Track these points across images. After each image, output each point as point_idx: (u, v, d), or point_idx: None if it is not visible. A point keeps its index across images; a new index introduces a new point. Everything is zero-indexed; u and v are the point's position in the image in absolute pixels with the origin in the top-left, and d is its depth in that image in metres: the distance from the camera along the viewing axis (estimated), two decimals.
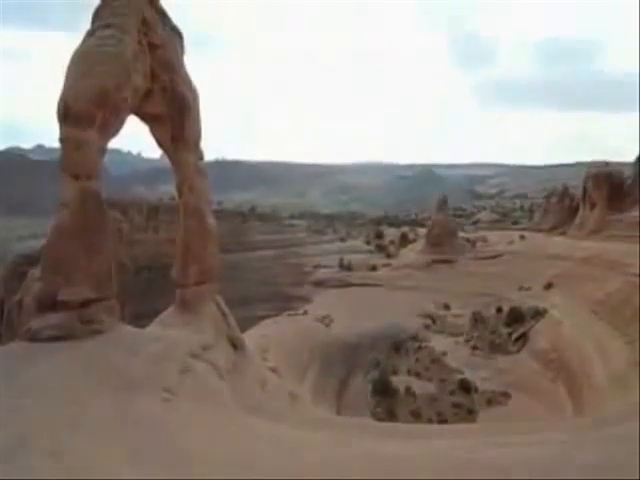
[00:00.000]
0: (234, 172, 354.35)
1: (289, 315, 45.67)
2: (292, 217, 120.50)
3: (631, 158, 62.63)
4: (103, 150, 13.93)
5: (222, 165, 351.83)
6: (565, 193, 79.07)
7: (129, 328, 14.61)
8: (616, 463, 7.50)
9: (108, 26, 14.03)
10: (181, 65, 17.53)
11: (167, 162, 18.79)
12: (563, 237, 67.61)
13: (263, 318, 44.85)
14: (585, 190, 67.13)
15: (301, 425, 13.87)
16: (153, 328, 16.75)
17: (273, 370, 21.87)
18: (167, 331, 16.04)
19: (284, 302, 67.04)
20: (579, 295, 42.61)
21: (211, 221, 19.04)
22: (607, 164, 70.43)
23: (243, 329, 33.69)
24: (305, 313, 46.32)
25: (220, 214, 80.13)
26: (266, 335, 32.60)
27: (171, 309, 18.28)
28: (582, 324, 37.26)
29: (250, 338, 28.06)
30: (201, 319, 17.64)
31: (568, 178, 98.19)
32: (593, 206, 64.36)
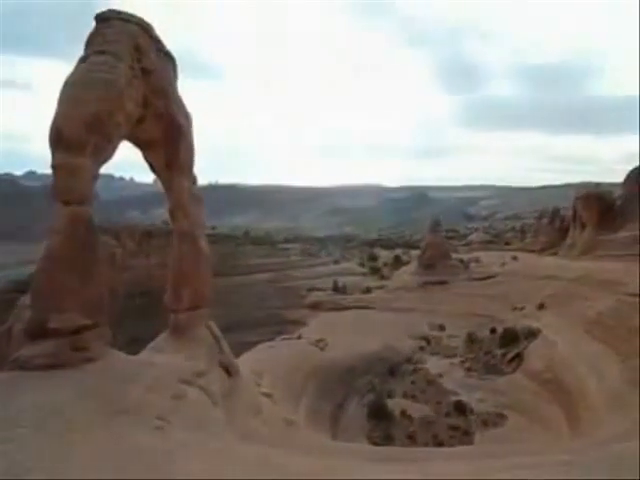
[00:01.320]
0: (228, 196, 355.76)
1: (283, 339, 45.20)
2: (286, 240, 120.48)
3: (619, 179, 63.70)
4: (95, 176, 13.99)
5: (216, 189, 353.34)
6: (556, 214, 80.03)
7: (121, 355, 14.45)
8: None
9: (101, 52, 14.23)
10: (174, 90, 17.78)
11: (160, 186, 18.90)
12: (554, 257, 68.12)
13: (257, 343, 44.36)
14: (575, 211, 68.06)
15: (296, 451, 13.65)
16: (146, 354, 16.56)
17: (267, 396, 21.56)
18: (160, 357, 15.87)
19: (278, 326, 66.50)
20: (572, 314, 42.70)
21: (204, 245, 19.06)
22: (597, 185, 71.67)
23: (237, 354, 33.31)
24: (300, 337, 45.89)
25: (214, 238, 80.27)
26: (260, 360, 32.21)
27: (164, 335, 18.12)
28: (576, 343, 37.24)
29: (244, 363, 27.70)
30: (194, 345, 17.47)
31: (558, 199, 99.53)
32: (583, 226, 65.13)
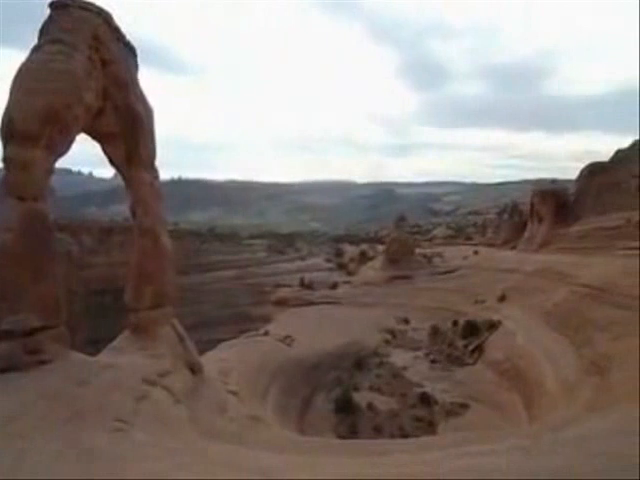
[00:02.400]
0: (192, 192, 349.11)
1: (250, 336, 44.83)
2: (252, 237, 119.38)
3: (573, 176, 66.43)
4: (50, 170, 13.45)
5: (179, 184, 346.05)
6: (515, 209, 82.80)
7: (80, 356, 13.99)
8: (571, 466, 7.84)
9: (56, 41, 13.64)
10: (135, 82, 17.27)
11: (120, 181, 18.37)
12: (514, 251, 70.53)
13: (223, 340, 43.86)
14: (533, 206, 70.69)
15: (264, 448, 13.61)
16: (105, 355, 16.10)
17: (233, 393, 21.38)
18: (121, 358, 15.47)
19: (244, 323, 66.02)
20: (530, 306, 44.33)
21: (167, 242, 18.66)
22: (553, 181, 74.55)
23: (202, 352, 32.88)
24: (266, 333, 45.60)
25: (177, 235, 78.78)
26: (226, 358, 31.88)
27: (125, 334, 17.66)
28: (534, 334, 38.72)
29: (209, 361, 27.38)
30: (157, 344, 17.11)
31: (517, 195, 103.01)
32: (540, 221, 67.74)
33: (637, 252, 37.41)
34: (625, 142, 53.08)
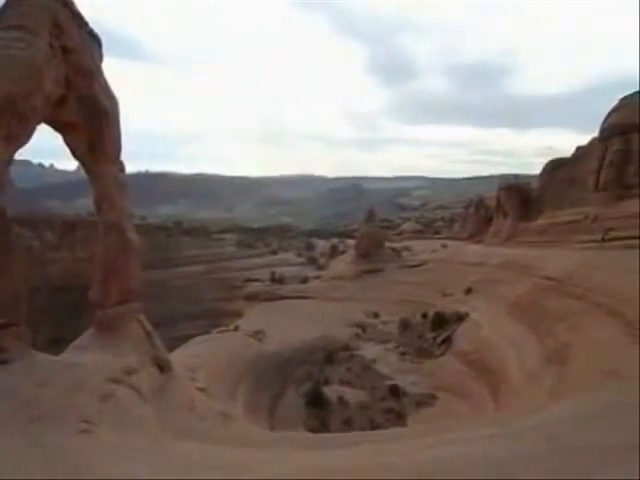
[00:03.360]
0: (159, 185, 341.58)
1: (219, 332, 44.42)
2: (221, 231, 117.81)
3: (537, 171, 68.57)
4: (8, 162, 12.86)
5: (146, 178, 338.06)
6: (481, 204, 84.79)
7: (41, 356, 13.49)
8: (534, 450, 8.10)
9: (15, 28, 13.02)
10: (99, 71, 16.69)
11: (83, 174, 17.76)
12: (480, 245, 72.37)
13: (193, 336, 43.32)
14: (498, 201, 72.64)
15: (234, 445, 13.52)
16: (68, 354, 15.59)
17: (202, 390, 21.13)
18: (85, 356, 15.01)
19: (214, 318, 65.26)
20: (496, 298, 45.62)
21: (133, 237, 18.18)
22: (516, 177, 76.77)
23: (172, 349, 32.36)
24: (236, 329, 45.29)
25: (143, 229, 76.79)
26: (195, 354, 31.48)
27: (89, 332, 17.15)
28: (499, 325, 39.89)
29: (178, 358, 26.97)
30: (123, 341, 16.71)
31: (483, 190, 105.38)
32: (505, 215, 69.69)
33: (594, 245, 39.03)
34: (585, 139, 55.17)
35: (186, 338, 42.19)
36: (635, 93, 45.25)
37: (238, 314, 63.49)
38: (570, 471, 5.73)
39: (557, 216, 54.83)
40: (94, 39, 16.67)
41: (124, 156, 18.41)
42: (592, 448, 6.92)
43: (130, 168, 19.53)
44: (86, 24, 16.03)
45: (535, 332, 33.62)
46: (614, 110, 46.48)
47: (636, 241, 34.34)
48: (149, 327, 18.44)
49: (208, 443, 13.08)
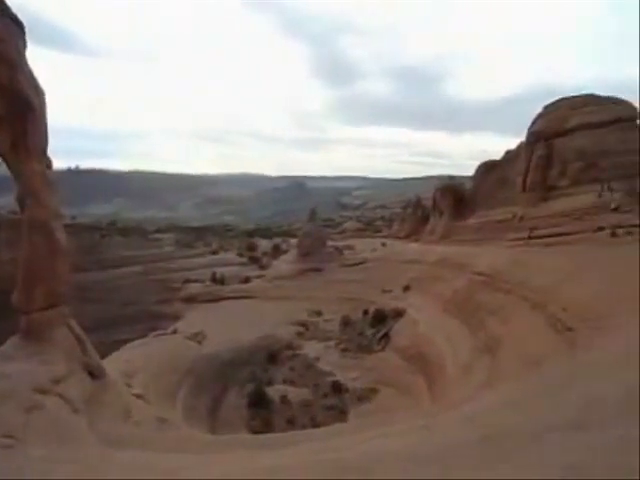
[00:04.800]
0: (91, 183, 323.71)
1: (157, 335, 42.81)
2: (159, 231, 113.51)
3: (470, 173, 71.90)
4: None
5: (77, 175, 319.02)
6: (418, 204, 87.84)
7: None
8: (466, 438, 8.52)
9: None
10: (24, 62, 15.57)
11: (5, 170, 16.53)
12: (417, 243, 75.04)
13: (129, 340, 41.46)
14: (434, 201, 75.69)
15: (171, 450, 13.14)
16: None
17: (139, 396, 20.33)
18: (9, 366, 13.98)
19: (152, 321, 62.77)
20: (432, 294, 47.55)
21: (61, 237, 17.15)
22: (451, 178, 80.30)
23: (106, 354, 30.87)
24: (174, 332, 43.90)
25: (74, 229, 72.40)
26: (130, 359, 30.18)
27: (13, 339, 15.99)
28: (435, 320, 41.63)
29: (112, 364, 25.77)
30: (51, 348, 15.72)
31: (421, 190, 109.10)
32: (441, 215, 72.76)
33: (521, 243, 41.73)
34: (514, 143, 58.75)
35: (122, 342, 40.36)
36: (557, 101, 48.85)
37: (177, 316, 61.55)
38: (498, 456, 6.11)
39: (489, 215, 58.04)
40: (17, 26, 15.53)
41: (53, 152, 17.38)
42: (518, 433, 7.43)
43: (59, 164, 18.39)
44: (8, 9, 14.91)
45: (468, 326, 35.43)
46: (538, 117, 49.88)
47: (556, 238, 37.13)
48: (79, 332, 17.47)
49: (144, 450, 12.64)
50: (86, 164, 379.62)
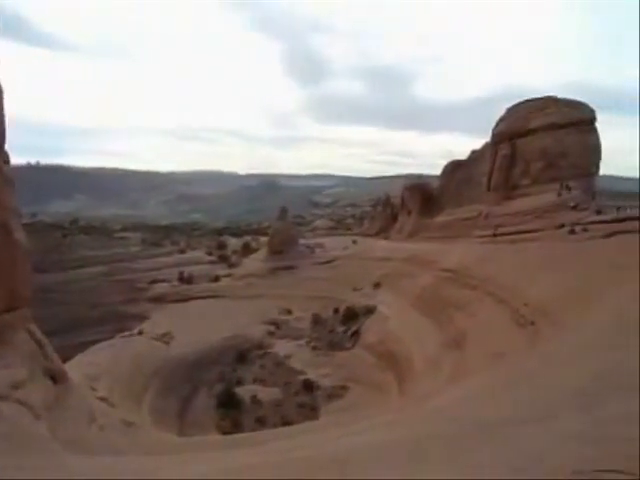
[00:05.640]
0: (52, 179, 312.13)
1: (123, 337, 41.70)
2: (124, 229, 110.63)
3: (438, 172, 73.22)
4: None
5: (37, 171, 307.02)
6: (387, 202, 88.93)
7: None
8: (433, 431, 8.67)
9: None
10: None
11: None
12: (387, 240, 75.92)
13: (95, 342, 40.20)
14: (403, 199, 76.75)
15: (137, 453, 12.84)
16: None
17: (104, 400, 19.76)
18: None
19: (118, 323, 61.11)
20: (401, 291, 48.20)
21: (21, 237, 16.44)
22: (419, 177, 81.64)
23: (70, 357, 29.86)
24: (141, 333, 42.87)
25: (34, 228, 69.73)
26: (95, 362, 29.29)
27: None
28: (404, 316, 42.22)
29: (75, 367, 24.99)
30: (10, 352, 15.06)
31: (391, 189, 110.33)
32: (409, 213, 73.86)
33: (486, 240, 42.80)
34: (481, 143, 60.05)
35: (87, 345, 39.11)
36: (520, 103, 50.30)
37: (143, 317, 60.13)
38: (463, 446, 6.24)
39: (455, 213, 59.31)
40: None
41: (11, 147, 16.62)
42: (484, 425, 7.62)
43: (17, 160, 17.66)
44: None
45: (436, 321, 36.11)
46: (502, 118, 51.25)
47: (520, 235, 38.26)
48: (40, 335, 16.82)
49: (110, 455, 12.30)
50: (47, 160, 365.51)
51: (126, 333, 43.03)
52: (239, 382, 37.40)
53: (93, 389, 21.15)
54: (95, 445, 13.75)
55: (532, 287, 24.91)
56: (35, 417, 12.96)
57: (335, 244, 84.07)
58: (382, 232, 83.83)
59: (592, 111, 45.97)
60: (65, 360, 27.14)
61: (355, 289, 59.37)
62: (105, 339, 42.33)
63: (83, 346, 38.33)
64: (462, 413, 10.41)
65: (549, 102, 47.63)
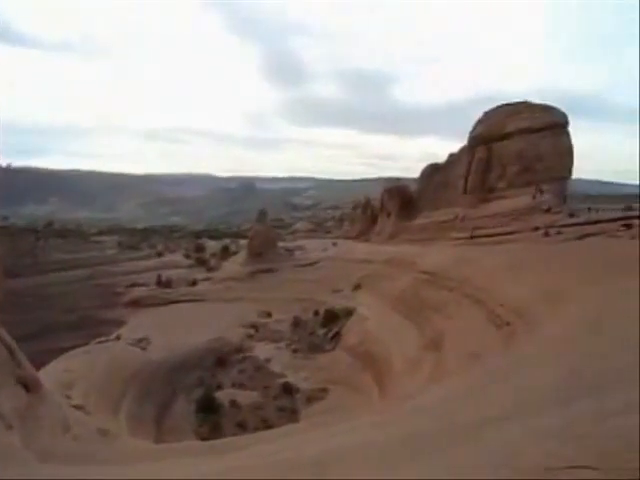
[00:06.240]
0: (25, 182, 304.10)
1: (99, 342, 40.76)
2: (100, 233, 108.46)
3: (417, 175, 73.88)
4: None
5: (8, 173, 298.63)
6: (367, 204, 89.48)
7: None
8: (414, 431, 8.74)
9: None
10: None
11: None
12: (367, 243, 76.36)
13: (70, 349, 39.21)
14: (382, 202, 77.36)
15: (114, 462, 12.57)
16: None
17: (79, 408, 19.27)
18: None
19: (93, 328, 59.80)
20: (381, 293, 48.48)
21: None
22: (398, 180, 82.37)
23: (44, 364, 29.05)
24: (118, 338, 42.00)
25: (6, 231, 67.85)
26: (70, 368, 28.54)
27: None
28: (384, 318, 42.47)
29: (50, 374, 24.36)
30: None
31: (371, 191, 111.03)
32: (389, 215, 74.48)
33: (463, 242, 43.49)
34: (457, 147, 60.96)
35: (62, 351, 38.11)
36: (496, 107, 51.35)
37: (121, 322, 59.02)
38: (441, 446, 6.30)
39: (433, 216, 60.07)
40: None
41: None
42: (461, 426, 7.72)
43: None
44: None
45: (415, 323, 36.45)
46: (479, 122, 52.23)
47: (496, 238, 38.99)
48: (11, 342, 16.30)
49: (85, 464, 12.00)
50: (19, 162, 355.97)
51: (102, 338, 42.10)
52: (218, 387, 36.99)
53: (68, 397, 20.61)
54: (70, 455, 13.39)
55: (508, 288, 25.38)
56: (6, 427, 12.54)
57: (315, 246, 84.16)
58: (362, 234, 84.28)
59: (565, 115, 47.29)
60: (39, 367, 26.40)
61: (335, 291, 59.48)
62: (81, 345, 41.32)
63: (57, 352, 37.36)
64: (440, 413, 10.53)
65: (524, 107, 48.81)
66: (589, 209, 38.90)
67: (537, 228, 35.40)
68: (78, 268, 76.73)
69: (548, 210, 38.44)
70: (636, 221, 27.28)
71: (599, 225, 28.92)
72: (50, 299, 69.00)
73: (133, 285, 73.92)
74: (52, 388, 19.07)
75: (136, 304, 67.05)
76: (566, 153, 45.58)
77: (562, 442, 4.19)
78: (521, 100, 50.27)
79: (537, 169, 44.09)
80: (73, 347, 39.82)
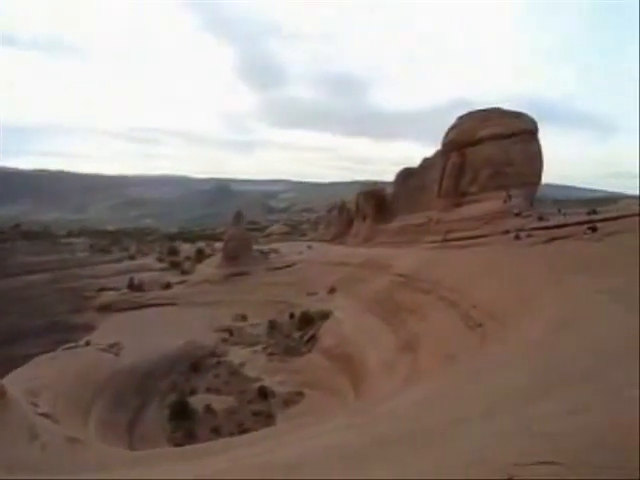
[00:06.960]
0: None
1: (67, 348, 39.53)
2: (70, 235, 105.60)
3: (392, 178, 74.66)
4: None
5: None
6: (343, 207, 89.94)
7: None
8: (387, 433, 8.81)
9: None
10: None
11: None
12: (343, 245, 76.68)
13: (37, 355, 37.94)
14: (358, 205, 77.88)
15: (83, 470, 12.23)
16: None
17: (46, 416, 18.68)
18: None
19: (62, 334, 58.07)
20: (356, 295, 48.77)
21: None
22: (374, 183, 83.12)
23: (9, 371, 28.05)
24: (87, 343, 40.83)
25: None
26: (37, 375, 27.62)
27: None
28: (359, 321, 42.71)
29: (16, 381, 23.55)
30: None
31: (347, 194, 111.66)
32: (364, 218, 75.02)
33: (437, 245, 44.18)
34: (432, 151, 61.93)
35: (29, 358, 36.85)
36: (469, 113, 52.41)
37: (91, 327, 57.49)
38: (412, 449, 6.40)
39: (408, 219, 60.81)
40: None
41: None
42: (429, 429, 7.85)
43: None
44: None
45: (391, 325, 36.80)
46: (452, 127, 53.19)
47: (469, 241, 39.75)
48: None
49: (53, 474, 11.65)
50: None
51: (71, 344, 40.88)
52: (192, 392, 36.43)
53: (34, 405, 19.94)
54: (37, 464, 12.98)
55: (480, 290, 25.93)
56: None
57: (290, 249, 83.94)
58: (338, 237, 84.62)
59: (534, 122, 48.63)
60: (3, 374, 25.45)
61: (310, 294, 59.43)
62: (49, 351, 40.01)
63: (24, 359, 36.13)
64: (414, 414, 10.66)
65: (495, 113, 49.96)
66: (559, 210, 40.16)
67: (508, 231, 36.24)
68: (46, 271, 74.49)
69: (519, 214, 39.43)
70: (600, 224, 28.25)
71: (567, 228, 29.83)
72: (16, 303, 66.67)
73: (104, 289, 72.15)
74: (18, 396, 18.43)
75: (107, 308, 65.47)
76: (536, 158, 46.89)
77: (530, 440, 4.33)
78: (493, 107, 51.47)
79: (508, 174, 45.19)
80: (40, 354, 38.55)
